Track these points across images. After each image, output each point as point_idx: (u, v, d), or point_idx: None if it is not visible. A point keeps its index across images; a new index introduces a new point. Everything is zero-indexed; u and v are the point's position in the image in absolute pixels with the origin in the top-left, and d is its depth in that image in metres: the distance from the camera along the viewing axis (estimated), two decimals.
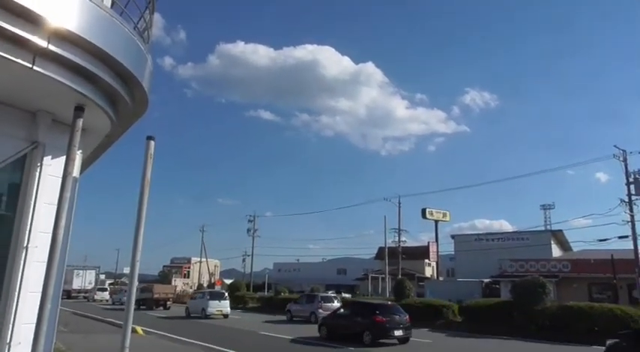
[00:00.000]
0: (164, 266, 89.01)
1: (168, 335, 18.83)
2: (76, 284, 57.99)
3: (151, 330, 19.74)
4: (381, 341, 16.93)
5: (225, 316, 28.96)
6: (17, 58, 3.78)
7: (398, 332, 17.05)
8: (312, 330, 20.09)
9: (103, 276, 73.09)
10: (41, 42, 3.83)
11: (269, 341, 18.33)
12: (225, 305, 29.51)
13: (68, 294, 56.57)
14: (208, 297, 29.98)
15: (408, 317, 17.95)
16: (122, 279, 76.18)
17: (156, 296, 38.06)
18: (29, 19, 3.68)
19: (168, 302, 38.48)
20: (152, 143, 5.35)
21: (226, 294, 32.17)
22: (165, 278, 76.71)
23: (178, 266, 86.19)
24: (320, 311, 25.87)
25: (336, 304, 26.33)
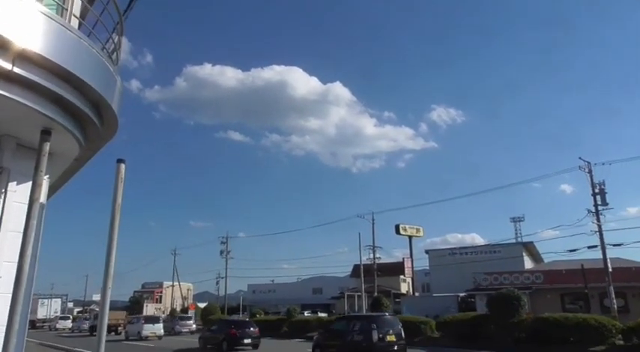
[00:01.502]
0: (135, 291, 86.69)
1: None
2: (41, 313, 55.84)
3: None
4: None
5: (160, 337, 32.81)
6: None
7: (247, 341, 22.79)
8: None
9: (70, 304, 70.60)
10: (5, 64, 3.70)
11: None
12: (158, 328, 33.64)
13: (32, 324, 54.37)
14: (143, 321, 34.35)
15: (257, 329, 23.94)
16: (91, 307, 73.69)
17: (112, 322, 39.33)
18: None
19: (120, 327, 40.34)
20: (123, 166, 5.19)
21: (160, 318, 37.62)
22: (136, 303, 74.57)
23: (150, 291, 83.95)
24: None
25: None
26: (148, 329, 32.95)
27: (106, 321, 5.16)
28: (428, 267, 53.38)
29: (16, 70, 3.79)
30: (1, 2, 3.70)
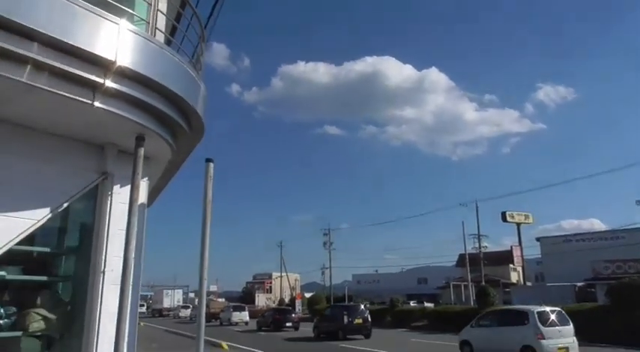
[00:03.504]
0: (247, 282, 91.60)
1: (249, 348, 19.48)
2: (166, 303, 61.11)
3: (233, 344, 20.37)
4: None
5: (246, 323, 39.39)
6: (78, 97, 4.09)
7: (288, 324, 31.67)
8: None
9: (192, 294, 76.36)
10: (99, 79, 4.14)
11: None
12: (244, 315, 40.28)
13: (160, 312, 59.74)
14: (232, 310, 41.42)
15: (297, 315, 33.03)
16: (210, 297, 79.23)
17: (212, 310, 44.55)
18: (85, 58, 3.99)
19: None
20: (211, 165, 5.56)
21: (245, 307, 43.29)
22: (248, 294, 78.88)
23: (260, 282, 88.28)
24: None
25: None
26: (236, 316, 40.21)
27: (204, 309, 5.55)
28: (540, 256, 50.26)
29: (108, 83, 4.21)
30: (96, 23, 4.13)
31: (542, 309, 14.69)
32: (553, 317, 14.30)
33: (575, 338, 14.33)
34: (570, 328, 14.39)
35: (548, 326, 13.94)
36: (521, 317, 14.59)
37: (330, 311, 28.05)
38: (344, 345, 21.46)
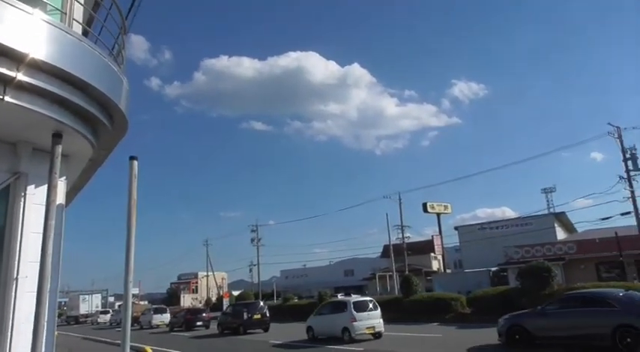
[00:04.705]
0: (171, 283, 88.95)
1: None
2: (83, 309, 57.83)
3: (156, 348, 19.78)
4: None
5: (167, 325, 36.20)
6: None
7: (199, 323, 31.68)
8: None
9: (112, 299, 72.90)
10: (10, 72, 3.84)
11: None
12: (166, 318, 37.97)
13: (76, 320, 56.44)
14: (152, 312, 39.83)
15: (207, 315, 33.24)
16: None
17: (134, 314, 41.41)
18: None
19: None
20: (135, 163, 5.34)
21: (167, 309, 41.54)
22: (173, 295, 76.61)
23: (186, 283, 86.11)
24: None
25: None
26: (157, 319, 38.17)
27: (130, 314, 5.35)
28: (458, 244, 53.08)
29: (21, 77, 3.93)
30: (7, 13, 3.82)
31: (357, 299, 19.87)
32: (365, 304, 19.01)
33: (381, 320, 18.79)
34: (378, 313, 18.88)
35: (360, 311, 18.43)
36: (343, 307, 19.24)
37: (231, 308, 29.69)
38: (242, 337, 24.06)
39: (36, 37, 4.02)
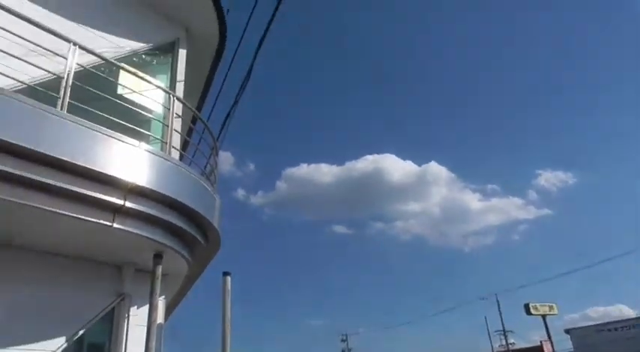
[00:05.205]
0: None
1: None
2: None
3: None
4: None
5: None
6: (99, 219, 4.09)
7: None
8: None
9: None
10: (118, 201, 4.16)
11: None
12: None
13: None
14: None
15: None
16: None
17: None
18: (106, 181, 4.06)
19: None
20: (229, 278, 5.41)
21: None
22: None
23: None
24: None
25: None
26: None
27: None
28: (572, 350, 47.22)
29: (128, 204, 4.23)
30: (115, 147, 4.25)
31: None
32: None
33: None
34: None
35: None
36: None
37: None
38: None
39: (140, 167, 4.39)
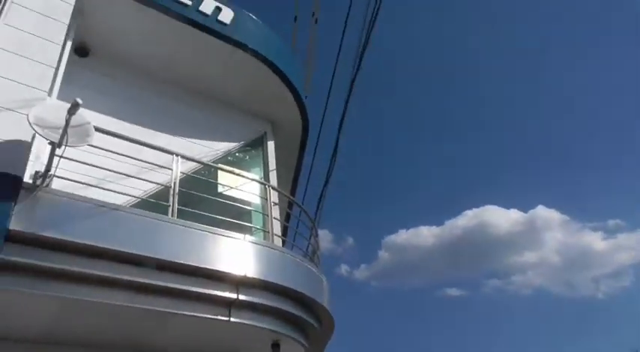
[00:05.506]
0: None
1: None
2: None
3: None
4: None
5: None
6: (215, 315, 4.20)
7: None
8: None
9: None
10: (232, 295, 4.28)
11: None
12: None
13: None
14: None
15: None
16: None
17: None
18: (218, 278, 4.22)
19: None
20: None
21: None
22: None
23: None
24: None
25: None
26: None
27: None
28: None
29: (242, 297, 4.33)
30: (222, 243, 4.45)
31: None
32: None
33: None
34: None
35: None
36: None
37: None
38: None
39: (248, 259, 4.53)
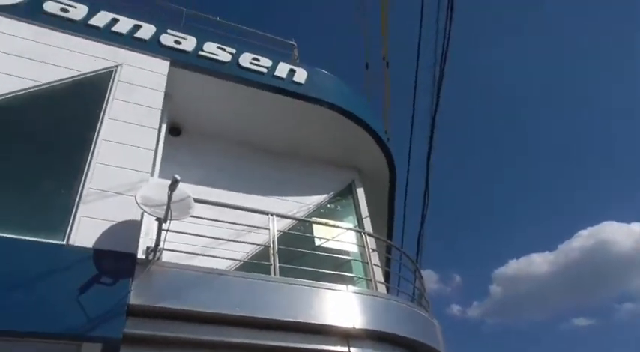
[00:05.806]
0: None
1: None
2: None
3: None
4: None
5: None
6: None
7: None
8: None
9: None
10: (343, 348, 4.20)
11: None
12: None
13: None
14: None
15: None
16: None
17: None
18: (328, 332, 4.19)
19: None
20: None
21: None
22: None
23: None
24: None
25: None
26: None
27: None
28: None
29: (353, 349, 4.24)
30: (323, 295, 4.43)
31: None
32: None
33: None
34: None
35: None
36: None
37: None
38: None
39: (354, 309, 4.45)
